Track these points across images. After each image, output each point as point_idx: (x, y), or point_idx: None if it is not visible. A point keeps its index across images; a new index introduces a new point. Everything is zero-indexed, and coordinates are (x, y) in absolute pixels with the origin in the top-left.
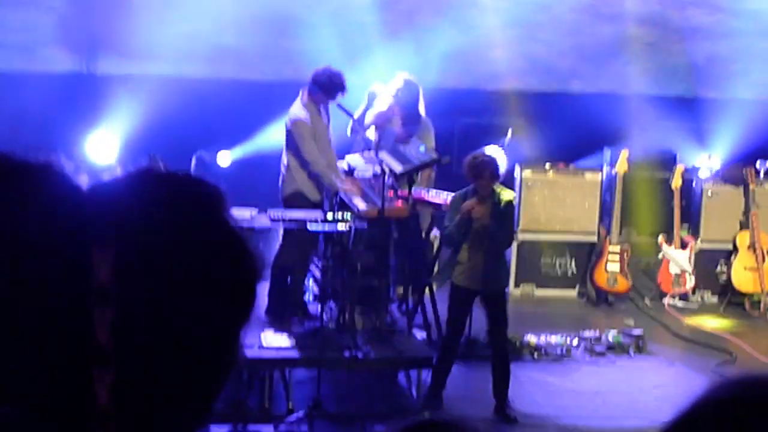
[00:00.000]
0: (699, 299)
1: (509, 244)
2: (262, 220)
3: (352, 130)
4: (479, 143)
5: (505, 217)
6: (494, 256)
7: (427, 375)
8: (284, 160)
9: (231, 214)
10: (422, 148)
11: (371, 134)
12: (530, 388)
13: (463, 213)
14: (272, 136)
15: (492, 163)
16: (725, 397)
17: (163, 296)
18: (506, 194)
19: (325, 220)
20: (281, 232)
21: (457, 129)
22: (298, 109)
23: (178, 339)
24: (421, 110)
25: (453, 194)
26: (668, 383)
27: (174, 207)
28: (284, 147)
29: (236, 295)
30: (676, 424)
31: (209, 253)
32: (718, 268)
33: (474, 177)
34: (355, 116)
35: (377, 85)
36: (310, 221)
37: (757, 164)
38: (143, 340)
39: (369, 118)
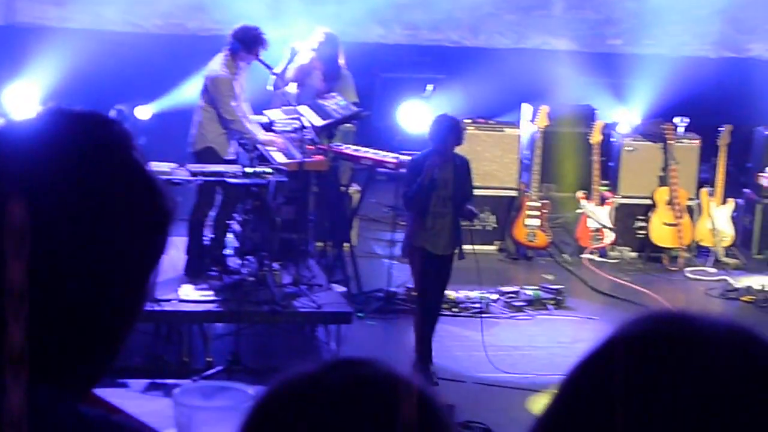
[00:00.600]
0: (617, 254)
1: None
2: (182, 174)
3: (273, 85)
4: (400, 98)
5: (467, 178)
6: (456, 219)
7: (346, 330)
8: (197, 115)
9: (140, 152)
10: (342, 102)
11: (292, 89)
12: (449, 342)
13: (426, 173)
14: (192, 90)
15: (458, 125)
16: (635, 333)
17: (75, 236)
18: (462, 156)
19: (244, 174)
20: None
21: (378, 83)
22: (218, 65)
23: (91, 278)
24: (342, 64)
25: (412, 157)
26: (587, 338)
27: (83, 146)
28: (198, 102)
29: (147, 234)
30: (589, 359)
31: (119, 191)
32: (637, 223)
33: (438, 139)
34: (277, 71)
35: (298, 41)
36: (230, 175)
37: (676, 120)
38: (57, 281)
39: (290, 72)
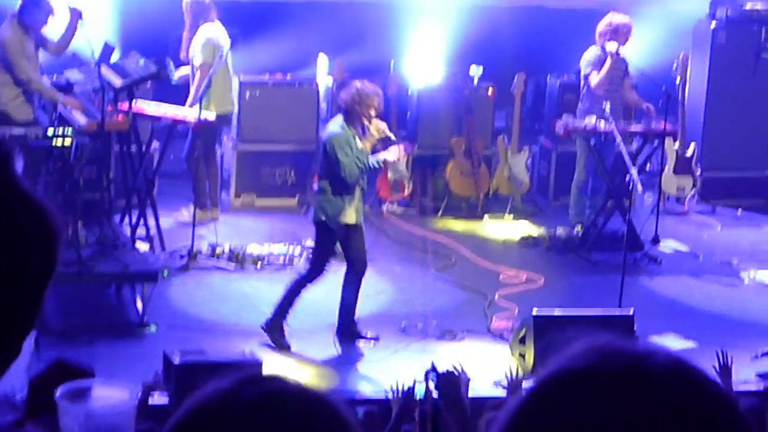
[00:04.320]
0: (417, 205)
1: None
2: None
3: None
4: None
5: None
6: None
7: (151, 289)
8: None
9: (18, 172)
10: (141, 61)
11: None
12: (255, 299)
13: (391, 160)
14: None
15: (382, 96)
16: (580, 368)
17: None
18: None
19: (45, 136)
20: None
21: (173, 40)
22: (5, 30)
23: None
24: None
25: (336, 131)
26: (389, 289)
27: None
28: None
29: (35, 253)
30: (532, 395)
31: (5, 215)
32: (435, 173)
33: (361, 111)
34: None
35: None
36: (32, 137)
37: (471, 69)
38: None
39: None
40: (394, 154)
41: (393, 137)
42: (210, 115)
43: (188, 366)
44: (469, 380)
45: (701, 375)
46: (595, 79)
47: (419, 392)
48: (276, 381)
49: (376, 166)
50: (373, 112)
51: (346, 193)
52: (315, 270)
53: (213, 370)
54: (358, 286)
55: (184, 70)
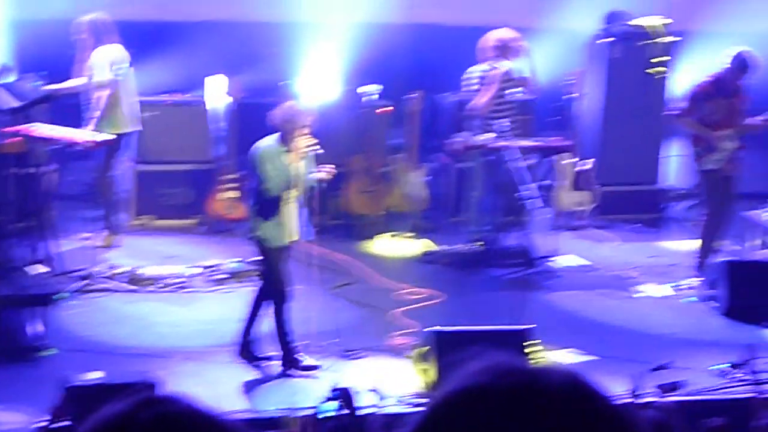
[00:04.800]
0: (315, 223)
1: None
2: None
3: None
4: None
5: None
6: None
7: (48, 312)
8: None
9: None
10: (36, 83)
11: None
12: (153, 319)
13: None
14: None
15: (308, 113)
16: (477, 386)
17: None
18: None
19: None
20: None
21: (64, 59)
22: None
23: None
24: None
25: (262, 146)
26: (294, 306)
27: None
28: None
29: None
30: (429, 414)
31: None
32: (333, 192)
33: (292, 130)
34: None
35: None
36: None
37: (370, 87)
38: None
39: None
40: (324, 174)
41: (316, 153)
42: (107, 136)
43: (85, 389)
44: (382, 398)
45: (595, 391)
46: (479, 99)
47: (323, 411)
48: (170, 403)
49: (310, 185)
50: (300, 131)
51: (273, 209)
52: (277, 288)
53: (110, 392)
54: (262, 305)
55: (65, 83)
